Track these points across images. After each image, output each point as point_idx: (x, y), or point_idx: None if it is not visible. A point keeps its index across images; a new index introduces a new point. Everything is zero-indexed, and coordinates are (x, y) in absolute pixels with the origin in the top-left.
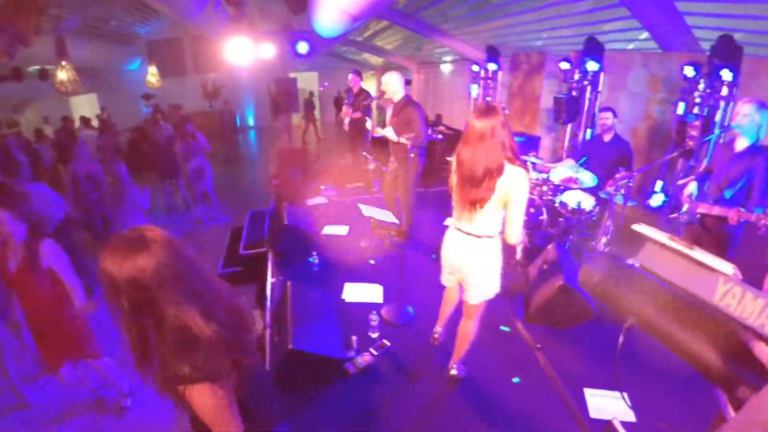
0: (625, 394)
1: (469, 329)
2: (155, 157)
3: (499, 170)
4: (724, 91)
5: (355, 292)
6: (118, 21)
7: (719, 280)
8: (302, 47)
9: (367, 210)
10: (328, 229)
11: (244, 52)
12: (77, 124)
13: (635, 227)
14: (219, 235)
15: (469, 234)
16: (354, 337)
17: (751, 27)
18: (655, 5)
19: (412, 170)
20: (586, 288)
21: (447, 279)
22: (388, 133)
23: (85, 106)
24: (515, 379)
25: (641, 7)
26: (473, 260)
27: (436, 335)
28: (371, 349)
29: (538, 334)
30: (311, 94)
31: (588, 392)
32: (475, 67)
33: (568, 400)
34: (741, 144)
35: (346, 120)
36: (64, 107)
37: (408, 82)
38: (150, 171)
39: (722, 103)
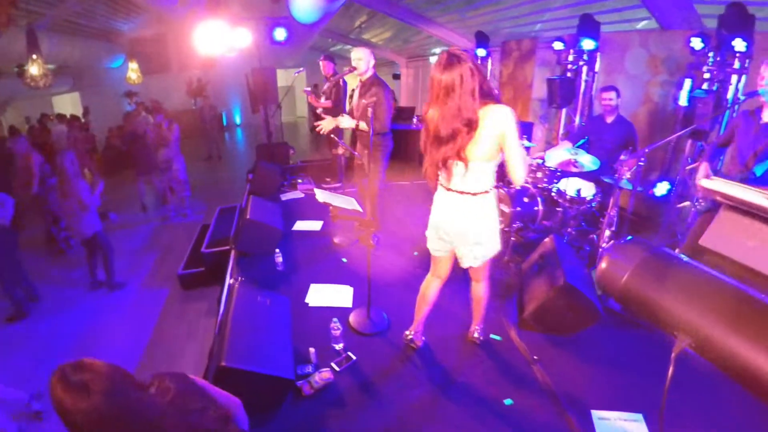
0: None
1: (480, 292)
2: (133, 153)
3: (475, 122)
4: (737, 64)
5: (322, 295)
6: (99, 17)
7: None
8: (279, 33)
9: (323, 196)
10: (300, 225)
11: (218, 39)
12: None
13: (703, 182)
14: (189, 232)
15: (463, 192)
16: (312, 350)
17: None
18: None
19: (376, 156)
20: (609, 292)
21: (438, 248)
22: (345, 122)
23: (68, 105)
24: (507, 401)
25: None
26: (472, 219)
27: (409, 338)
28: (332, 364)
29: (534, 344)
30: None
31: (596, 415)
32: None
33: (571, 424)
34: None
35: (319, 110)
36: (46, 107)
37: (396, 77)
38: (131, 168)
39: (734, 78)
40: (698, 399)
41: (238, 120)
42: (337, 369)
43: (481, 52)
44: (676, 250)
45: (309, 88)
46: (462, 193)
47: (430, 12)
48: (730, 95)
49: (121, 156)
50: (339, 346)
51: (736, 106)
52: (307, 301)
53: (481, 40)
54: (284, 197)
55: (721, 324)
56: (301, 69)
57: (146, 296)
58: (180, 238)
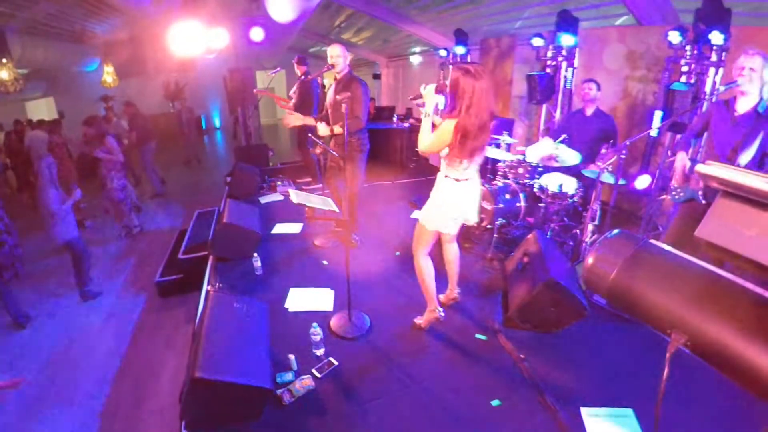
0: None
1: (455, 249)
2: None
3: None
4: (714, 57)
5: (301, 299)
6: (73, 19)
7: None
8: (257, 33)
9: (298, 197)
10: (280, 228)
11: (193, 39)
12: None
13: (699, 167)
14: (167, 238)
15: (473, 179)
16: (292, 357)
17: None
18: None
19: (354, 156)
20: (597, 289)
21: (454, 227)
22: (321, 129)
23: (43, 111)
24: (495, 402)
25: None
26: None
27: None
28: (313, 371)
29: (521, 342)
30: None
31: (586, 412)
32: (443, 52)
33: (561, 423)
34: (745, 104)
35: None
36: (20, 113)
37: (377, 77)
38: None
39: (712, 70)
40: (688, 392)
41: (217, 123)
42: (318, 375)
43: (461, 50)
44: (659, 241)
45: (264, 87)
46: (473, 180)
47: (410, 11)
48: (708, 87)
49: (96, 161)
50: (320, 352)
51: (714, 98)
52: (286, 305)
53: (461, 38)
54: (263, 200)
55: (719, 321)
56: (278, 69)
57: (122, 305)
58: (157, 245)
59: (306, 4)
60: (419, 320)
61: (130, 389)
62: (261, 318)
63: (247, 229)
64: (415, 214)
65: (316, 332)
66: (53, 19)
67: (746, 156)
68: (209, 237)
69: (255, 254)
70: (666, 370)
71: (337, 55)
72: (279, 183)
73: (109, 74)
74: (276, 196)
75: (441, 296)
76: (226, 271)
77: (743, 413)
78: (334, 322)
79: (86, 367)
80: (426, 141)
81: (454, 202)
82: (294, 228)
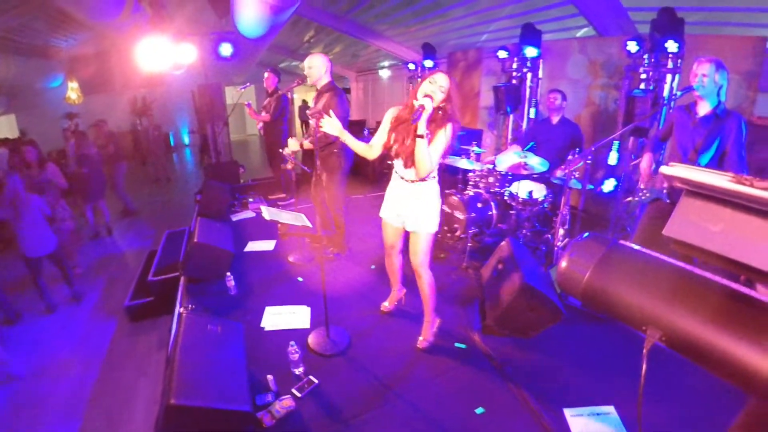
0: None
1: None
2: (79, 178)
3: None
4: (670, 64)
5: (278, 318)
6: (36, 33)
7: None
8: (225, 49)
9: (270, 213)
10: (252, 245)
11: (162, 55)
12: None
13: (663, 169)
14: (136, 260)
15: None
16: (270, 377)
17: (687, 4)
18: None
19: (333, 170)
20: (571, 292)
21: None
22: (291, 144)
23: (4, 128)
24: (479, 410)
25: None
26: None
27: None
28: (293, 390)
29: (500, 348)
30: (305, 102)
31: (569, 413)
32: (411, 66)
33: (545, 426)
34: (704, 107)
35: (260, 125)
36: None
37: (346, 91)
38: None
39: (669, 77)
40: (666, 385)
41: (186, 140)
42: (298, 395)
43: (429, 63)
44: (628, 242)
45: (250, 102)
46: None
47: (378, 26)
48: (666, 93)
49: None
50: (299, 371)
51: (673, 102)
52: (262, 325)
53: (429, 51)
54: (235, 217)
55: (691, 315)
56: (248, 84)
57: (91, 332)
58: (126, 267)
59: (275, 20)
60: (423, 342)
61: (103, 421)
62: (236, 339)
63: (219, 248)
64: (413, 227)
65: (294, 351)
66: (15, 32)
67: (706, 156)
68: (180, 257)
69: (228, 273)
70: (644, 366)
71: (309, 66)
72: (251, 200)
73: (73, 90)
74: (248, 214)
75: (386, 303)
76: (199, 293)
77: (720, 401)
78: (312, 340)
79: (53, 400)
80: (431, 162)
81: (440, 197)
82: (267, 245)
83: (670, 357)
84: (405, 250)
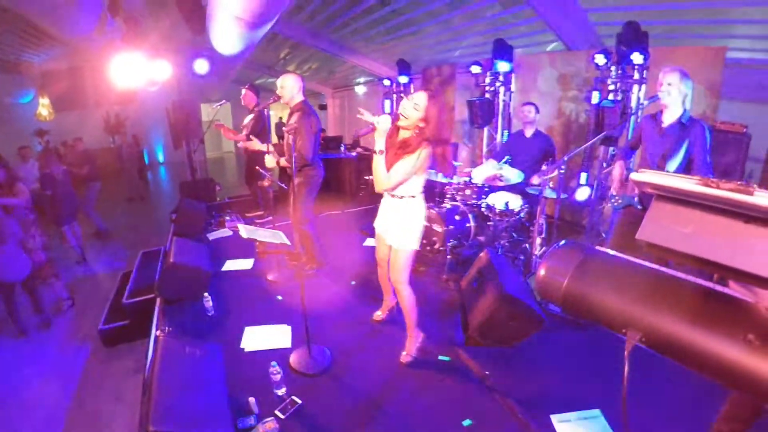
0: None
1: None
2: (55, 198)
3: None
4: (636, 75)
5: (258, 338)
6: (7, 47)
7: None
8: (201, 65)
9: (247, 231)
10: (230, 264)
11: (136, 71)
12: None
13: (634, 176)
14: (110, 282)
15: None
16: (252, 400)
17: (651, 18)
18: (560, 4)
19: (300, 188)
20: (551, 299)
21: None
22: (267, 160)
23: None
24: (466, 422)
25: (547, 7)
26: None
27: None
28: (277, 412)
29: (484, 359)
30: (281, 119)
31: (556, 419)
32: (387, 82)
33: None
34: (670, 116)
35: (239, 144)
36: None
37: (323, 107)
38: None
39: (635, 87)
40: (650, 385)
41: (160, 157)
42: (282, 417)
43: (403, 79)
44: (604, 247)
45: (210, 120)
46: None
47: (354, 43)
48: (633, 103)
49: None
50: (281, 391)
51: (640, 112)
52: (242, 346)
53: (403, 67)
54: (212, 236)
55: (669, 314)
56: (224, 101)
57: (64, 359)
58: (99, 290)
59: (251, 37)
60: (407, 356)
61: None
62: (216, 361)
63: (196, 267)
64: (392, 242)
65: (276, 371)
66: None
67: (674, 163)
68: (156, 278)
69: (206, 294)
70: (626, 367)
71: (281, 86)
72: (227, 218)
73: (44, 107)
74: (225, 232)
75: (379, 312)
76: (176, 314)
77: (703, 397)
78: (293, 359)
79: (26, 428)
80: (390, 180)
81: (423, 216)
82: (245, 264)
83: (652, 357)
84: None
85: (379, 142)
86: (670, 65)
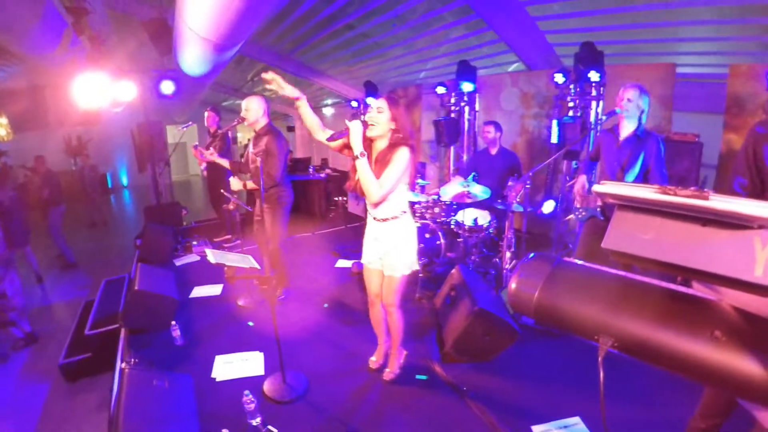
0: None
1: None
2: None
3: None
4: (594, 92)
5: (229, 367)
6: None
7: (754, 241)
8: (167, 86)
9: (215, 256)
10: (198, 291)
11: (99, 91)
12: None
13: (596, 187)
14: (71, 312)
15: None
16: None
17: (606, 38)
18: (520, 27)
19: (273, 210)
20: (523, 311)
21: None
22: (233, 183)
23: None
24: None
25: (508, 29)
26: None
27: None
28: None
29: (461, 374)
30: (249, 140)
31: (537, 429)
32: (354, 103)
33: None
34: (626, 129)
35: (203, 165)
36: None
37: (291, 129)
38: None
39: (593, 103)
40: (625, 388)
41: (124, 181)
42: None
43: (371, 100)
44: (571, 258)
45: (196, 144)
46: None
47: (321, 65)
48: (592, 118)
49: None
50: (256, 421)
51: (599, 126)
52: (213, 375)
53: (370, 89)
54: (179, 262)
55: (637, 318)
56: (190, 123)
57: (21, 395)
58: (59, 321)
59: (218, 59)
60: (390, 373)
61: None
62: (186, 393)
63: (163, 295)
64: (388, 270)
65: (250, 400)
66: None
67: (632, 174)
68: (120, 307)
69: (173, 322)
70: (601, 373)
71: (246, 108)
72: (194, 243)
73: (2, 126)
74: (192, 257)
75: (374, 358)
76: (142, 345)
77: (677, 396)
78: (267, 387)
79: None
80: (381, 186)
81: (415, 234)
82: (214, 290)
83: (627, 361)
84: None
85: (357, 145)
86: (631, 82)
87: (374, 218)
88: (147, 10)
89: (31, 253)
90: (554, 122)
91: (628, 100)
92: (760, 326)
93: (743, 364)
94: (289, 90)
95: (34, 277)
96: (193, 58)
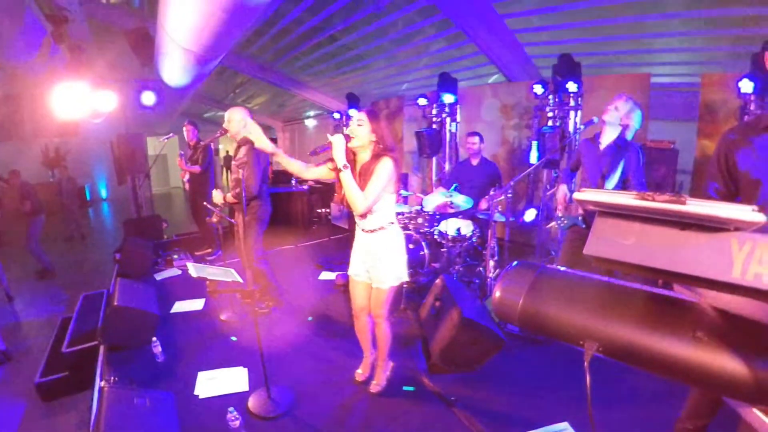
0: None
1: None
2: None
3: None
4: (572, 102)
5: (213, 383)
6: None
7: (731, 243)
8: (148, 97)
9: (197, 270)
10: (180, 306)
11: (78, 102)
12: None
13: (577, 195)
14: (47, 328)
15: None
16: None
17: (583, 50)
18: (499, 39)
19: (250, 222)
20: (508, 319)
21: None
22: (215, 196)
23: None
24: None
25: (488, 42)
26: None
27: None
28: None
29: (449, 384)
30: (228, 152)
31: None
32: (336, 115)
33: None
34: (607, 137)
35: (186, 177)
36: None
37: (273, 141)
38: None
39: (572, 113)
40: (612, 391)
41: (103, 194)
42: None
43: (353, 112)
44: (554, 265)
45: (182, 152)
46: None
47: (303, 77)
48: (571, 128)
49: None
50: None
51: (578, 135)
52: (196, 392)
53: (353, 101)
54: (159, 276)
55: (620, 322)
56: (171, 134)
57: None
58: (35, 338)
59: (200, 70)
60: (376, 386)
61: None
62: (168, 411)
63: (143, 310)
64: (376, 282)
65: (234, 417)
66: None
67: (612, 181)
68: (98, 324)
69: (154, 339)
70: (588, 378)
71: (228, 119)
72: (175, 256)
73: None
74: (173, 272)
75: (360, 371)
76: (122, 362)
77: (663, 398)
78: (252, 403)
79: None
80: (366, 197)
81: (403, 244)
82: (196, 304)
83: (612, 366)
84: None
85: (340, 157)
86: (626, 95)
87: (362, 230)
88: (128, 20)
89: (1, 270)
90: (534, 143)
91: (615, 108)
92: (740, 325)
93: (725, 362)
94: (265, 144)
95: (5, 296)
96: (175, 68)
